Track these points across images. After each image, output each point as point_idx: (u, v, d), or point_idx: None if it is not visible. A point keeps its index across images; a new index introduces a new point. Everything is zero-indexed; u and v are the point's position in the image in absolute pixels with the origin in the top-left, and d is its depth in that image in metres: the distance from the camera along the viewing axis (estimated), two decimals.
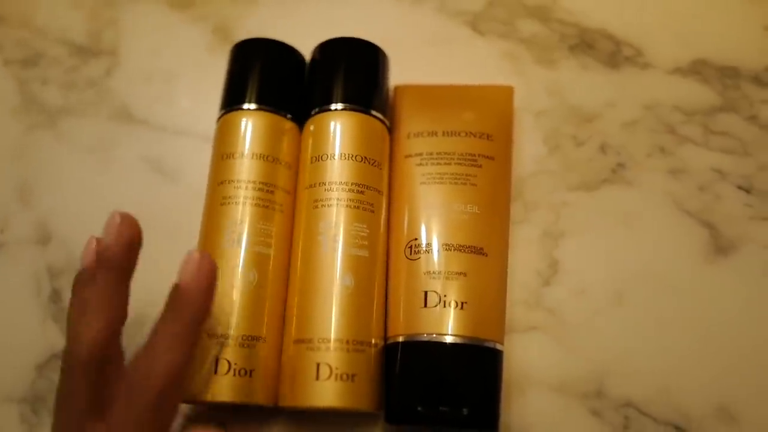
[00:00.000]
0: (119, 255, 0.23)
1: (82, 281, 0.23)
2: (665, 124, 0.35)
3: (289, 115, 0.32)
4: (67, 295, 0.33)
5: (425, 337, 0.28)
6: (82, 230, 0.34)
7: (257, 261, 0.28)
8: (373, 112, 0.31)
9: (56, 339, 0.32)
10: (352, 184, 0.29)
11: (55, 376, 0.32)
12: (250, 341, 0.27)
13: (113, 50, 0.39)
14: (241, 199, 0.29)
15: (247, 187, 0.29)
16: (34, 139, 0.37)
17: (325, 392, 0.26)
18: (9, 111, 0.38)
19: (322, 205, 0.29)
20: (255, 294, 0.28)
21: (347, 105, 0.31)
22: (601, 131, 0.35)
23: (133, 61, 0.39)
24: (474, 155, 0.31)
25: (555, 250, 0.33)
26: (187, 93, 0.38)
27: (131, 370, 0.23)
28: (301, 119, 0.32)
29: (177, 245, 0.33)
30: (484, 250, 0.29)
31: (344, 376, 0.26)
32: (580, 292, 0.32)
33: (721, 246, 0.32)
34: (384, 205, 0.30)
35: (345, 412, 0.28)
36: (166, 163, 0.36)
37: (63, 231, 0.35)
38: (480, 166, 0.31)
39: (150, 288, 0.33)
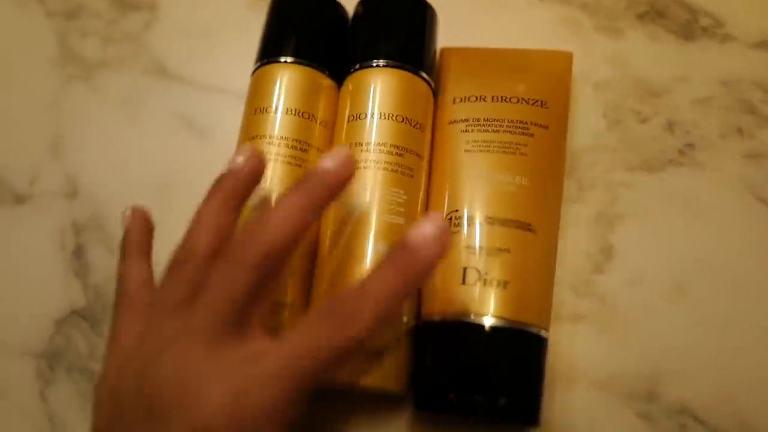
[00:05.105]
0: (237, 173, 0.24)
1: (207, 197, 0.24)
2: (744, 103, 0.32)
3: (327, 72, 0.30)
4: (90, 251, 0.32)
5: (462, 318, 0.25)
6: (109, 186, 0.34)
7: None
8: (418, 71, 0.29)
9: (77, 295, 0.32)
10: (390, 146, 0.27)
11: (73, 333, 0.31)
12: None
13: (153, 4, 0.38)
14: (273, 156, 0.27)
15: (279, 144, 0.27)
16: (70, 91, 0.36)
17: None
18: (48, 62, 0.37)
19: (358, 167, 0.27)
20: None
21: (390, 62, 0.28)
22: (669, 107, 0.32)
23: (171, 15, 0.38)
24: (526, 123, 0.28)
25: (610, 234, 0.30)
26: (224, 50, 0.36)
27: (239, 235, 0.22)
28: (340, 77, 0.30)
29: None
30: (532, 227, 0.26)
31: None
32: (636, 282, 0.29)
33: None
34: (424, 172, 0.28)
35: (370, 392, 0.26)
36: (198, 120, 0.35)
37: (90, 186, 0.34)
38: (532, 135, 0.28)
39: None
